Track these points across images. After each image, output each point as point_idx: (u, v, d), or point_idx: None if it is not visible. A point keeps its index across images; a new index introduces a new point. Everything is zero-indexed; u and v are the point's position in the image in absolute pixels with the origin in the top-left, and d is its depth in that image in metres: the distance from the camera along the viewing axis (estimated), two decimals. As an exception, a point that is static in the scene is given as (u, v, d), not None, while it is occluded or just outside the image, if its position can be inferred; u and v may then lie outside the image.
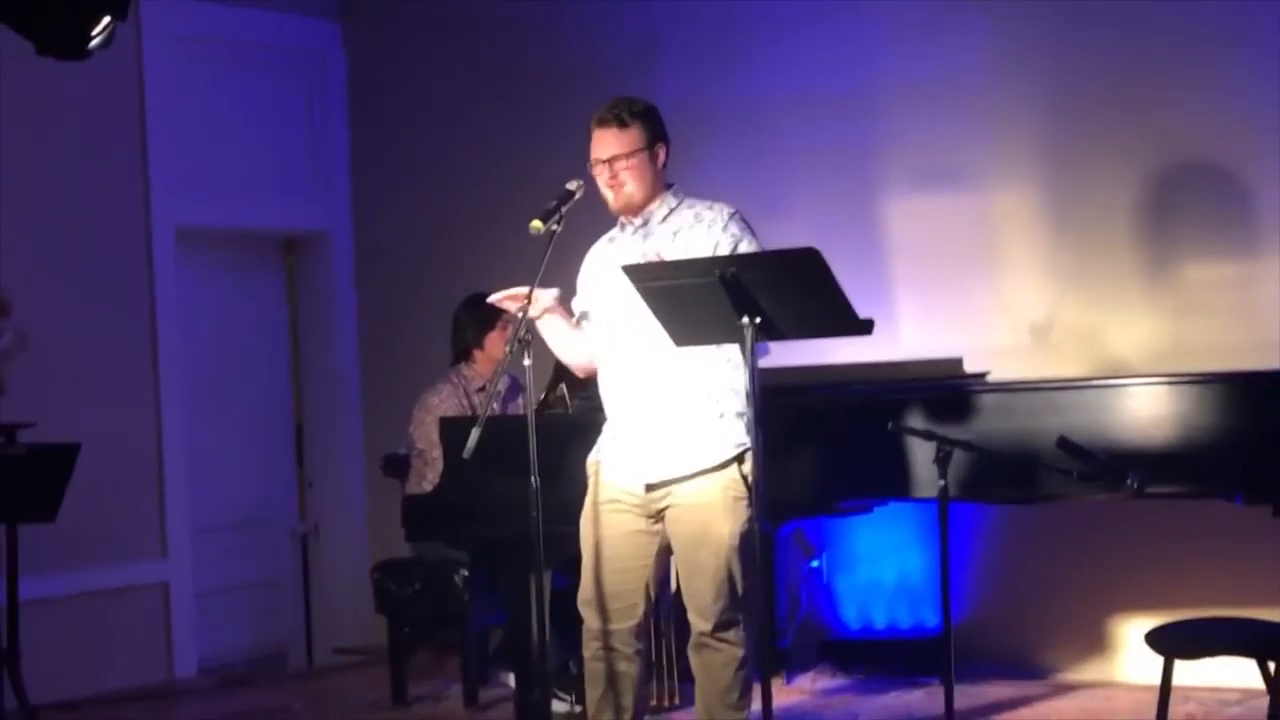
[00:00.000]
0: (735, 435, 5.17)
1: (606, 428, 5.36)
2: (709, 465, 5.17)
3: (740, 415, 5.16)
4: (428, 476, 7.16)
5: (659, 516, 5.24)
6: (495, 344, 7.24)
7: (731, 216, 5.24)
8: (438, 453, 6.90)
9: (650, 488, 5.21)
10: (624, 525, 5.27)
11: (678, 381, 5.18)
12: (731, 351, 5.18)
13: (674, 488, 5.19)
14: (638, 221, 5.29)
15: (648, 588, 5.30)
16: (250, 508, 8.90)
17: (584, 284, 5.45)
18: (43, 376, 7.51)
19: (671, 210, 5.28)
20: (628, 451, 5.25)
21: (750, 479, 5.14)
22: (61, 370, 7.68)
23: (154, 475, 8.12)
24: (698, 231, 5.21)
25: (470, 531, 6.56)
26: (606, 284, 5.30)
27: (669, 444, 5.18)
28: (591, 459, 5.36)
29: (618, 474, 5.27)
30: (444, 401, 7.26)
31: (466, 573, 7.00)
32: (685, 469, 5.18)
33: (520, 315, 5.15)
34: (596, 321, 5.38)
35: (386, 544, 8.12)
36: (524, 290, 5.17)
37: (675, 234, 5.24)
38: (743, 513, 5.17)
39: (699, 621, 5.24)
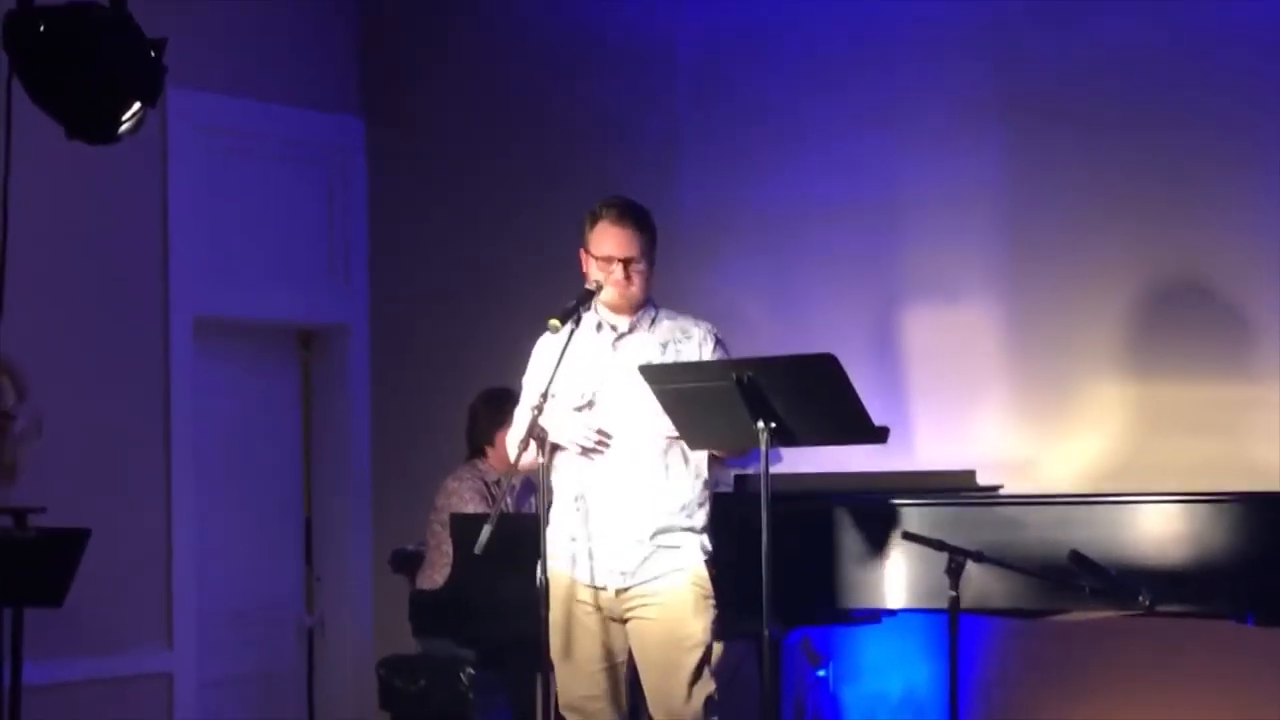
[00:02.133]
0: (703, 544, 5.27)
1: (561, 528, 5.30)
2: (677, 567, 5.20)
3: (706, 531, 5.28)
4: (439, 566, 7.10)
5: (624, 619, 5.25)
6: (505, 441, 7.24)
7: (718, 341, 5.38)
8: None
9: (619, 591, 5.22)
10: (593, 627, 5.27)
11: (653, 491, 5.22)
12: (702, 467, 5.22)
13: (641, 589, 5.21)
14: (622, 327, 5.32)
15: (624, 686, 5.31)
16: (257, 600, 8.86)
17: (542, 372, 5.33)
18: (55, 461, 7.51)
19: (654, 320, 5.34)
20: (594, 554, 5.24)
21: (713, 582, 5.21)
22: (74, 455, 7.67)
23: (162, 564, 8.09)
24: (686, 347, 5.29)
25: (478, 629, 6.53)
26: (583, 376, 5.28)
27: (639, 550, 5.21)
28: (551, 563, 5.26)
29: (582, 576, 5.25)
30: (463, 484, 7.23)
31: (472, 671, 6.96)
32: (653, 572, 5.21)
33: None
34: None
35: (393, 639, 8.08)
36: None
37: (664, 345, 5.29)
38: (711, 612, 5.23)
39: None
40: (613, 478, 5.24)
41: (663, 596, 5.20)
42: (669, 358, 5.24)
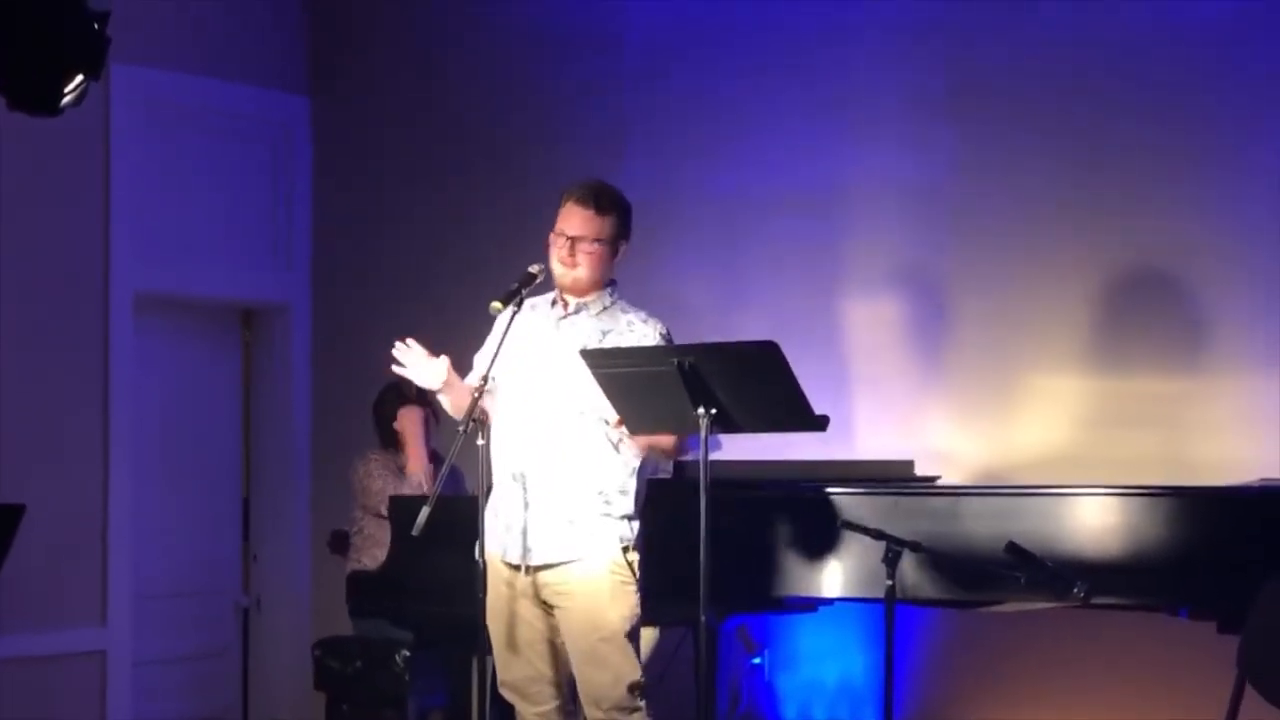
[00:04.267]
0: (621, 532, 5.20)
1: (490, 502, 5.30)
2: (589, 554, 5.17)
3: (628, 518, 5.20)
4: (366, 549, 7.11)
5: (545, 601, 5.23)
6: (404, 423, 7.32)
7: (662, 337, 5.29)
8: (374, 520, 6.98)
9: (529, 570, 5.20)
10: (518, 609, 5.26)
11: (572, 474, 5.19)
12: (628, 455, 5.20)
13: (555, 572, 5.18)
14: (571, 307, 5.30)
15: (561, 668, 5.28)
16: (194, 578, 8.82)
17: (493, 342, 5.35)
18: (-8, 435, 7.47)
19: (605, 309, 5.30)
20: (510, 532, 5.23)
21: (636, 568, 5.16)
22: (10, 430, 7.62)
23: (98, 541, 8.04)
24: (626, 340, 5.23)
25: (415, 611, 6.53)
26: (521, 354, 5.27)
27: (552, 531, 5.18)
28: (481, 542, 5.28)
29: (502, 555, 5.24)
30: (374, 461, 7.28)
31: (408, 653, 6.96)
32: (564, 555, 5.18)
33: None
34: (497, 387, 5.36)
35: (329, 620, 8.06)
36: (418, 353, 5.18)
37: (605, 334, 5.25)
38: (631, 598, 5.19)
39: (593, 710, 5.23)
40: (533, 459, 5.22)
41: (576, 584, 5.17)
42: (606, 345, 5.21)
